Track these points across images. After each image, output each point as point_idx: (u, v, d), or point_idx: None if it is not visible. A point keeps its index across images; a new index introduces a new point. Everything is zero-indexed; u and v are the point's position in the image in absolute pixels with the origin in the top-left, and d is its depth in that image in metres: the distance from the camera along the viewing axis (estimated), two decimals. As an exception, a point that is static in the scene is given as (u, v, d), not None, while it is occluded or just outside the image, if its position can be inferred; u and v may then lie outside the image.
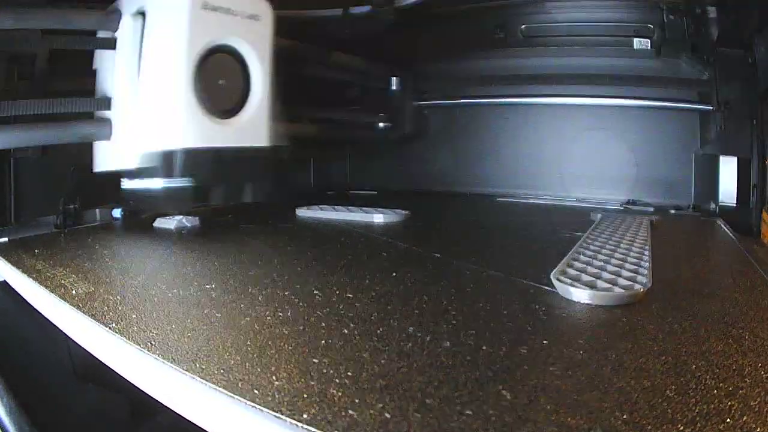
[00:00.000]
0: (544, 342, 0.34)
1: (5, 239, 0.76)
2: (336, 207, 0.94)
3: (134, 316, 0.41)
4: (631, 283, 0.44)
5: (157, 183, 0.70)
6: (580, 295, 0.42)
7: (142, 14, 0.68)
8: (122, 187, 0.74)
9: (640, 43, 1.06)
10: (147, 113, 0.68)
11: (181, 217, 0.79)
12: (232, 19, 0.70)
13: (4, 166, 0.89)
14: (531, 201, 1.16)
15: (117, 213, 0.95)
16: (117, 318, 0.40)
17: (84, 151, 0.91)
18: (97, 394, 0.58)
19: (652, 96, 1.08)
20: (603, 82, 1.10)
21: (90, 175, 0.77)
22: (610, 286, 0.44)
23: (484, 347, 0.33)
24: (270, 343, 0.35)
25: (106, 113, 0.73)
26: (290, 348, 0.34)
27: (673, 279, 0.49)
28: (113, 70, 0.72)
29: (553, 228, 0.75)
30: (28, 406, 0.53)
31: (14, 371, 0.57)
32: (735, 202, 1.01)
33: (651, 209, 1.03)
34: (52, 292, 0.48)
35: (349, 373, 0.30)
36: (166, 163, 0.68)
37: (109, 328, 0.39)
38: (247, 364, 0.32)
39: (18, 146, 0.73)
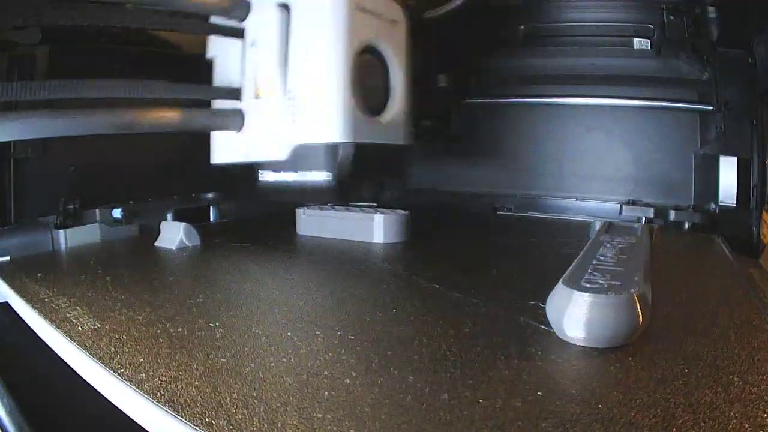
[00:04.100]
0: (538, 394, 0.35)
1: (6, 258, 0.77)
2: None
3: (141, 359, 0.42)
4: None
5: (298, 176, 0.72)
6: (575, 334, 0.43)
7: (284, 6, 0.70)
8: (260, 179, 0.76)
9: (640, 43, 1.05)
10: (305, 107, 0.70)
11: (182, 235, 0.79)
12: (378, 22, 0.73)
13: (4, 165, 0.90)
14: (529, 205, 1.17)
15: (117, 213, 0.95)
16: (125, 362, 0.41)
17: (83, 151, 0.91)
18: (97, 394, 0.60)
19: (652, 96, 1.07)
20: (603, 82, 1.09)
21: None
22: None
23: (480, 400, 0.34)
24: (275, 395, 0.36)
25: (231, 104, 0.75)
26: (295, 401, 0.35)
27: (669, 314, 0.49)
28: (241, 59, 0.74)
29: (553, 249, 0.75)
30: (28, 406, 0.54)
31: (14, 371, 0.58)
32: (735, 202, 1.01)
33: (651, 209, 1.03)
34: (58, 328, 0.49)
35: (352, 431, 0.31)
36: (329, 156, 0.70)
37: (118, 374, 0.40)
38: (254, 419, 0.33)
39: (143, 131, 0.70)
